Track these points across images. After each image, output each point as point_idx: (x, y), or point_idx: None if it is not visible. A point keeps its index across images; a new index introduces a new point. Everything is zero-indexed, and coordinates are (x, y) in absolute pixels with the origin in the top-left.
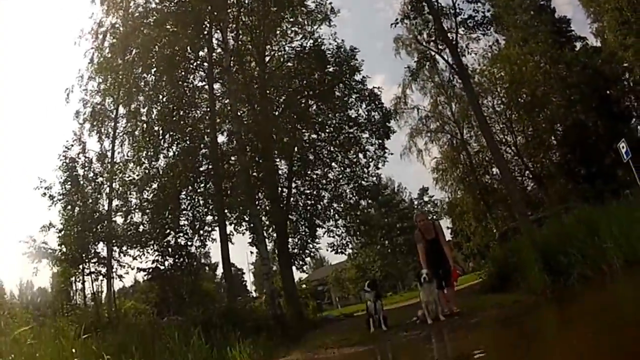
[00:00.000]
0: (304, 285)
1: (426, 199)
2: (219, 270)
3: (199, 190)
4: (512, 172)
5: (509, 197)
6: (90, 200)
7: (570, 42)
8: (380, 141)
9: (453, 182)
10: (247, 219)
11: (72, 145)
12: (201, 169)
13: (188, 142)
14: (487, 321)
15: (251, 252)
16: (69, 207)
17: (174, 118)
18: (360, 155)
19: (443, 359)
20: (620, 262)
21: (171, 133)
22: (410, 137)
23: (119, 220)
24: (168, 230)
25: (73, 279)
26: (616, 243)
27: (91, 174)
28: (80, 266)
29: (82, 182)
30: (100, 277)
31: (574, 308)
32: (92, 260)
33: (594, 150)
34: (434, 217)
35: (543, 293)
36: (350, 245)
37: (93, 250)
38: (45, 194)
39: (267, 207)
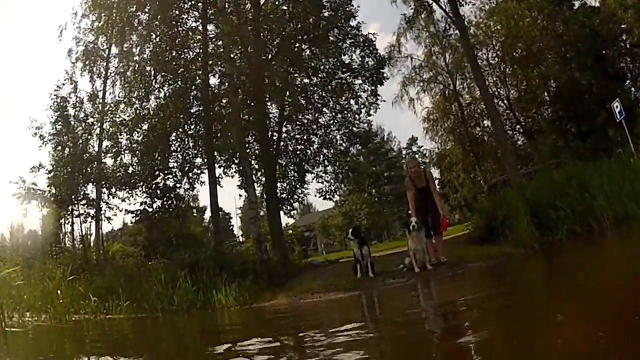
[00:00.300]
0: (290, 231)
1: (415, 149)
2: (207, 215)
3: (189, 132)
4: (503, 125)
5: (500, 149)
6: (81, 141)
7: (569, 0)
8: (373, 87)
9: (443, 133)
10: (236, 162)
11: (63, 84)
12: (192, 110)
13: (180, 83)
14: (476, 271)
15: (240, 196)
16: (59, 147)
17: (167, 59)
18: (352, 102)
19: (429, 306)
20: (610, 220)
21: (163, 74)
22: (403, 86)
23: (109, 161)
24: (157, 172)
25: (62, 221)
26: (607, 200)
27: (82, 114)
28: (70, 207)
29: (72, 123)
30: (89, 219)
31: (562, 262)
32: (81, 202)
33: (586, 109)
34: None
35: (531, 247)
36: (338, 192)
37: (82, 192)
38: (36, 133)
39: (257, 151)
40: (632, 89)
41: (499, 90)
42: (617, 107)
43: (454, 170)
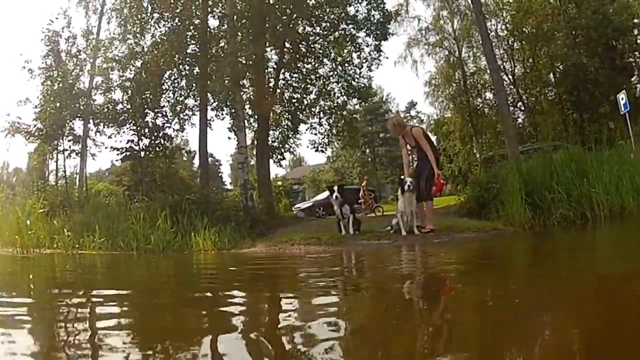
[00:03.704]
0: (279, 183)
1: (413, 113)
2: (197, 159)
3: (183, 73)
4: (507, 98)
5: (501, 122)
6: (71, 76)
7: None
8: (377, 42)
9: (444, 100)
10: (229, 104)
11: (56, 18)
12: (188, 50)
13: (177, 22)
14: (463, 242)
15: (229, 138)
16: (49, 82)
17: None
18: (354, 55)
19: (410, 263)
20: (605, 211)
21: (160, 11)
22: (407, 47)
23: (99, 99)
24: (147, 110)
25: (47, 156)
26: (605, 190)
27: (74, 50)
28: (55, 142)
29: (64, 58)
30: (74, 155)
31: (552, 245)
32: (67, 138)
33: (589, 97)
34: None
35: (522, 227)
36: (331, 146)
37: (69, 127)
38: (24, 67)
39: (252, 96)
40: (638, 86)
41: (504, 64)
42: (622, 98)
43: (451, 139)
